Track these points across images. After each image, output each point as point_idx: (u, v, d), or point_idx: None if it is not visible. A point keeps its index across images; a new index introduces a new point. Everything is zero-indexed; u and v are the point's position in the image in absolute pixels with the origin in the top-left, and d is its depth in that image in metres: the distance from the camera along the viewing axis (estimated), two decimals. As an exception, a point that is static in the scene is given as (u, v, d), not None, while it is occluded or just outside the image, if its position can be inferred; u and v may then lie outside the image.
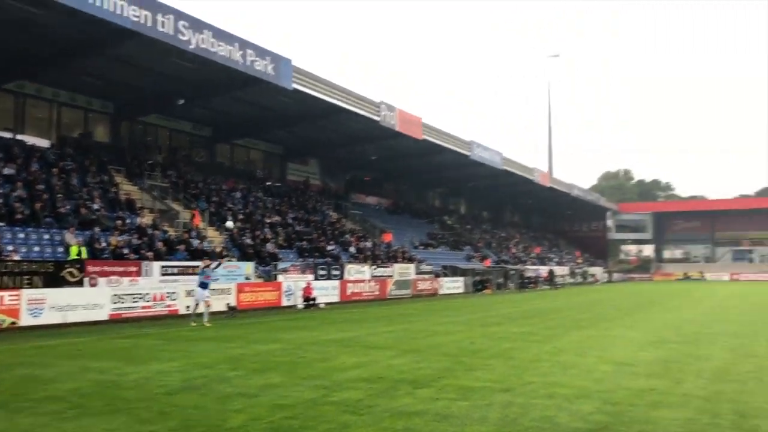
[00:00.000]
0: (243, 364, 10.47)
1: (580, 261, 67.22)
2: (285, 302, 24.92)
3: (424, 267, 37.64)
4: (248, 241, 27.74)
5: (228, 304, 21.51)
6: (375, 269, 32.48)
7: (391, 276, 33.17)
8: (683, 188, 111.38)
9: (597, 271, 65.63)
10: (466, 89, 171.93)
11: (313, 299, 25.12)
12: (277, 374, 9.36)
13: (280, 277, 26.00)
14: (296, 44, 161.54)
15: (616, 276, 69.96)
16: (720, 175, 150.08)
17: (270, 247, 28.18)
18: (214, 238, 26.66)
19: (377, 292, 30.92)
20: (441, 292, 36.48)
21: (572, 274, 58.64)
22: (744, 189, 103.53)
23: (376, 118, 32.35)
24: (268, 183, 37.48)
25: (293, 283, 25.78)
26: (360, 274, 31.00)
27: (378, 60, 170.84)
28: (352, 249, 34.50)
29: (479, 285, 40.30)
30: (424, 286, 35.25)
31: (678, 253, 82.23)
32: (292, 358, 11.20)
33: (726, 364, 10.50)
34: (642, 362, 10.57)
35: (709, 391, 8.17)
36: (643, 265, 78.99)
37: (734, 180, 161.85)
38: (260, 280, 25.21)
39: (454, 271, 40.75)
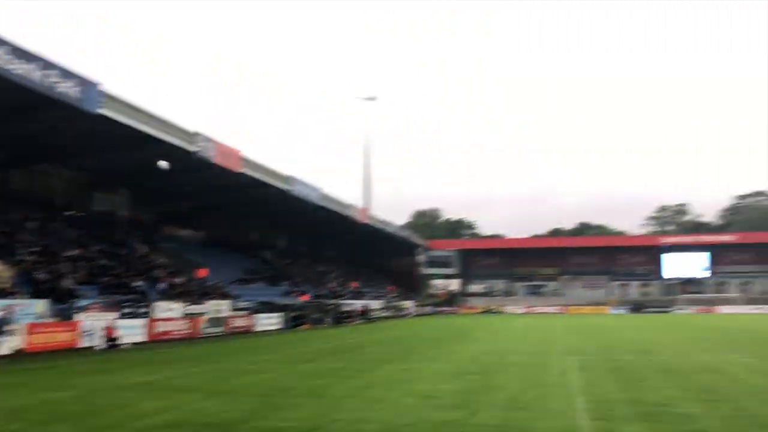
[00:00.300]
0: (25, 415, 9.45)
1: (394, 295, 69.58)
2: (84, 343, 22.97)
3: (240, 303, 36.77)
4: (42, 276, 25.33)
5: (13, 346, 19.38)
6: (187, 306, 31.12)
7: (204, 313, 31.95)
8: (485, 227, 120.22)
9: (409, 304, 68.30)
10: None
11: (116, 339, 23.44)
12: (66, 426, 8.58)
13: (79, 316, 23.97)
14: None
15: (426, 309, 73.26)
16: (517, 215, 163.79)
17: (68, 282, 25.95)
18: (2, 274, 23.99)
19: (189, 331, 29.59)
20: (257, 328, 35.75)
21: (386, 307, 60.48)
22: (537, 229, 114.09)
23: (192, 148, 31.37)
24: (69, 213, 34.64)
25: (93, 322, 23.87)
26: (170, 312, 29.49)
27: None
28: (162, 285, 32.81)
29: (296, 321, 40.14)
30: (239, 323, 34.35)
31: (481, 287, 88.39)
32: (86, 406, 10.33)
33: (516, 393, 11.39)
34: (443, 394, 11.15)
35: (501, 419, 8.81)
36: (451, 299, 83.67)
37: (530, 221, 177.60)
38: (55, 320, 23.05)
39: (271, 307, 40.21)
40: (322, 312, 45.47)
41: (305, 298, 46.30)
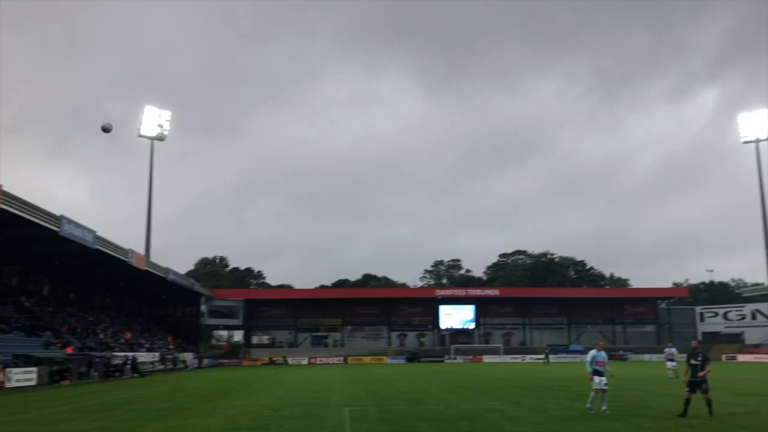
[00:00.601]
0: None
1: (172, 347, 65.99)
2: None
3: (-12, 356, 32.47)
4: None
5: None
6: None
7: (-60, 368, 27.71)
8: (273, 277, 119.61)
9: (188, 356, 65.18)
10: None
11: None
12: None
13: None
14: None
15: (206, 361, 70.39)
16: (305, 266, 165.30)
17: None
18: None
19: None
20: (9, 385, 31.72)
21: (162, 360, 57.12)
22: (325, 280, 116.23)
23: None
24: None
25: None
26: None
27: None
28: None
29: (57, 375, 36.31)
30: (-15, 378, 30.25)
31: (265, 338, 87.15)
32: None
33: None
34: (213, 452, 10.78)
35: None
36: (233, 351, 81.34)
37: (319, 271, 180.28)
38: None
39: (27, 361, 35.99)
40: (89, 365, 41.75)
41: (69, 350, 42.19)
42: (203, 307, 79.45)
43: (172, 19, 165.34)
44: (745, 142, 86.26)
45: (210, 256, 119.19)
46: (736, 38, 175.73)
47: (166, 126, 72.86)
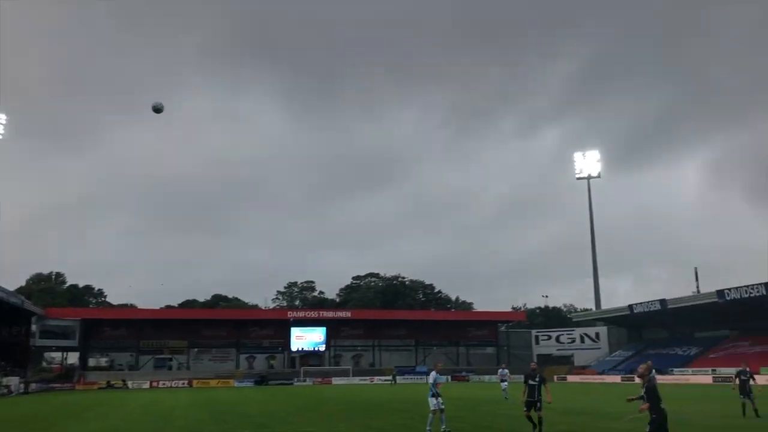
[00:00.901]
0: None
1: (-6, 370, 60.13)
2: None
3: None
4: None
5: None
6: None
7: None
8: (116, 296, 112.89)
9: (13, 380, 59.68)
10: None
11: None
12: None
13: None
14: None
15: (35, 386, 64.80)
16: (152, 285, 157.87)
17: None
18: None
19: None
20: None
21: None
22: (171, 300, 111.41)
23: None
24: None
25: None
26: None
27: None
28: None
29: None
30: None
31: (103, 360, 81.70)
32: None
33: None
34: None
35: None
36: (67, 374, 75.58)
37: (165, 292, 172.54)
38: None
39: None
40: None
41: None
42: (34, 327, 73.12)
43: (16, 17, 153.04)
44: (579, 179, 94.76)
45: (45, 271, 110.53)
46: (577, 84, 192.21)
47: (0, 129, 67.30)
